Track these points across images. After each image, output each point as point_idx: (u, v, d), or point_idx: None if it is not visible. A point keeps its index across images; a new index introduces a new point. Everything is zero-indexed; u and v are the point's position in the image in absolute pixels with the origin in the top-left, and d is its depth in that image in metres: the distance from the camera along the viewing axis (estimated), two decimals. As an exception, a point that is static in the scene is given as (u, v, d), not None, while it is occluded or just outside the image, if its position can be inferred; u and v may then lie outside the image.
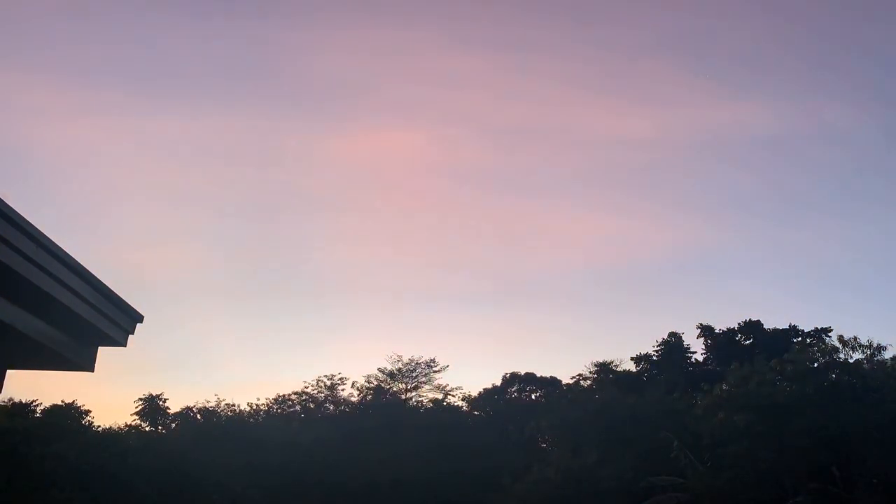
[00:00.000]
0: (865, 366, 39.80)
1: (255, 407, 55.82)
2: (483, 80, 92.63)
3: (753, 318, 58.74)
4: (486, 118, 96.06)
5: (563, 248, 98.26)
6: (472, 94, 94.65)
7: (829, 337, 52.17)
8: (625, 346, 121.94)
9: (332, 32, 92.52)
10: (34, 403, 51.12)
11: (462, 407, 60.05)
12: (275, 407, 56.74)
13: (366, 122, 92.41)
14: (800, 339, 55.12)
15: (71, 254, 5.19)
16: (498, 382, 65.47)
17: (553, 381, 63.82)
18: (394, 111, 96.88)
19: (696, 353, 59.81)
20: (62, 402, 51.85)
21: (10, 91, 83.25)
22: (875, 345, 43.49)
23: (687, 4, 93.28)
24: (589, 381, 59.65)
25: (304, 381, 57.33)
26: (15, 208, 4.54)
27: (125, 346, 6.36)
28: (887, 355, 42.29)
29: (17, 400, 49.96)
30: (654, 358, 59.90)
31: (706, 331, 58.74)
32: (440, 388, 57.80)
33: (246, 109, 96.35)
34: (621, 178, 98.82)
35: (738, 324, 58.71)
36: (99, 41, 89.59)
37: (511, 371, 65.83)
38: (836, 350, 43.03)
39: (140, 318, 6.28)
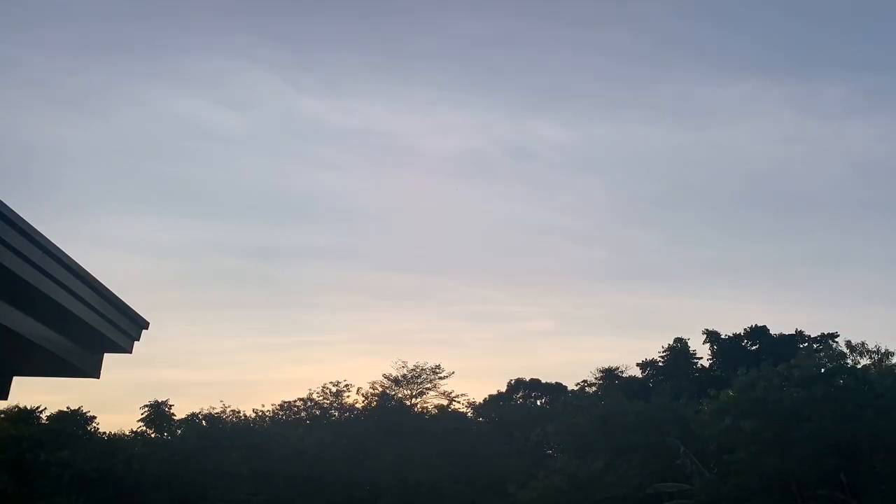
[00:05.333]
0: (873, 371, 39.62)
1: (260, 413, 55.80)
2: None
3: (759, 324, 58.62)
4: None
5: (567, 252, 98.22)
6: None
7: (836, 342, 52.00)
8: (630, 352, 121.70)
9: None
10: (40, 410, 51.17)
11: (467, 413, 59.89)
12: (280, 413, 56.72)
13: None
14: (806, 344, 54.91)
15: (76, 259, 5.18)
16: (503, 389, 65.40)
17: (558, 388, 63.67)
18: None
19: (702, 358, 59.66)
20: (68, 408, 51.85)
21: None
22: (883, 350, 43.40)
23: None
24: (594, 388, 59.50)
25: (309, 388, 57.39)
26: (21, 214, 4.52)
27: (131, 352, 6.34)
28: (895, 361, 42.14)
29: (22, 406, 50.06)
30: (660, 364, 59.74)
31: (712, 336, 58.55)
32: (445, 395, 57.66)
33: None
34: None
35: (744, 329, 58.53)
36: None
37: (516, 377, 65.81)
38: (844, 355, 42.91)
39: (146, 325, 6.26)
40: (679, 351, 59.11)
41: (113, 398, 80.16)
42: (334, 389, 56.25)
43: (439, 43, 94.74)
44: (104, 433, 51.71)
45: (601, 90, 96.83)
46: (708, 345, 58.88)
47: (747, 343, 57.85)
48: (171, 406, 54.29)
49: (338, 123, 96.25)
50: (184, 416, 53.40)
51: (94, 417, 52.29)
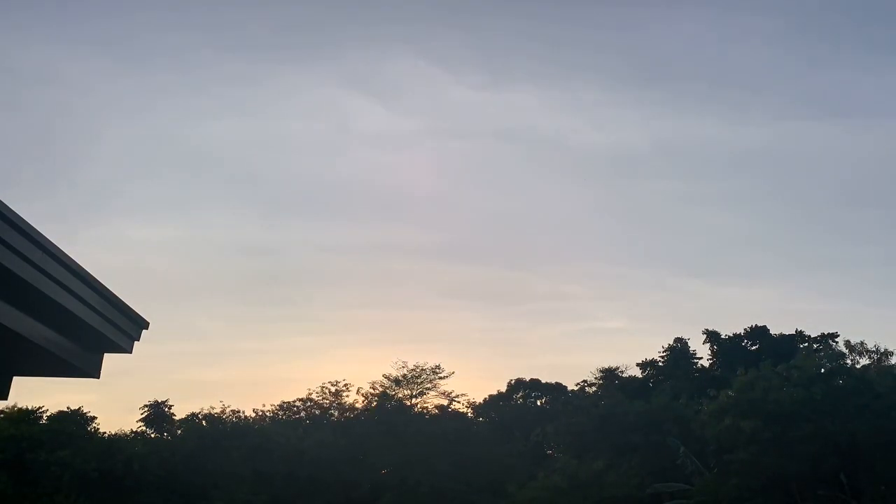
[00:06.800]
0: (872, 371, 39.66)
1: (260, 413, 55.80)
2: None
3: (759, 324, 58.65)
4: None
5: (567, 251, 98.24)
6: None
7: (836, 342, 52.01)
8: (631, 352, 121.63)
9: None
10: (40, 410, 51.12)
11: (467, 413, 59.89)
12: (280, 413, 56.70)
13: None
14: (806, 344, 54.95)
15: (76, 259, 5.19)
16: (503, 389, 65.44)
17: (558, 388, 63.71)
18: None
19: (702, 358, 59.73)
20: (68, 408, 51.83)
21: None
22: (882, 350, 43.43)
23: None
24: (594, 388, 59.55)
25: (309, 388, 57.41)
26: (22, 215, 4.53)
27: (131, 352, 6.35)
28: (894, 361, 42.17)
29: (22, 406, 50.03)
30: (660, 364, 59.78)
31: (712, 336, 58.61)
32: (445, 395, 57.62)
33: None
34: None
35: (744, 329, 58.60)
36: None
37: (516, 377, 65.85)
38: (843, 355, 42.97)
39: (146, 325, 6.27)
40: (679, 351, 59.18)
41: (113, 398, 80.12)
42: (333, 389, 56.31)
43: (598, 39, 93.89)
44: (104, 433, 51.72)
45: (758, 86, 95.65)
46: (708, 345, 58.97)
47: (747, 343, 57.90)
48: (171, 406, 54.37)
49: (487, 118, 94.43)
50: (184, 416, 53.48)
51: (95, 417, 52.32)
